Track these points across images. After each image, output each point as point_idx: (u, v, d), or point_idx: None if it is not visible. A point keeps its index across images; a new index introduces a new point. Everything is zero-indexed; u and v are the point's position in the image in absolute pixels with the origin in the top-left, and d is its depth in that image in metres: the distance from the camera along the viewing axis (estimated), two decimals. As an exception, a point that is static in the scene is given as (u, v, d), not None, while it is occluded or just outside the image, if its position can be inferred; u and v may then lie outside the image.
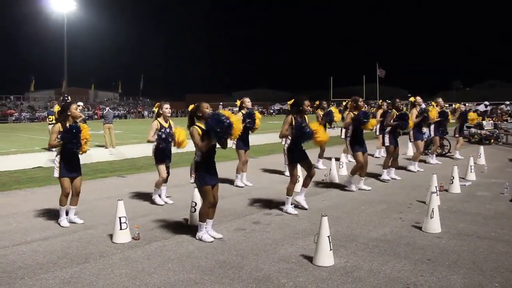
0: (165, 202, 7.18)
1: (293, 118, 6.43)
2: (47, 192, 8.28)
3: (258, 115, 8.48)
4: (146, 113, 61.47)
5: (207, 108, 5.16)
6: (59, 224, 5.96)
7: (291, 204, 6.61)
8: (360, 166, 7.87)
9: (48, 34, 71.55)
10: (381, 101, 16.44)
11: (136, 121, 49.90)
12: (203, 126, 5.07)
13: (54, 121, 14.17)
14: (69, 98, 13.23)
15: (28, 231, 5.73)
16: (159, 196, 7.18)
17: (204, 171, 5.14)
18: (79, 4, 53.24)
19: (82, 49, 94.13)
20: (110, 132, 16.26)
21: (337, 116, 10.58)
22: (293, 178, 6.62)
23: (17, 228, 5.91)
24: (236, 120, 4.99)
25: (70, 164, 5.88)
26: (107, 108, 19.91)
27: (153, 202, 7.18)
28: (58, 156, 5.87)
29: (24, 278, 4.20)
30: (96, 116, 50.59)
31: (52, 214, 6.51)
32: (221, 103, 55.29)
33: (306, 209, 6.68)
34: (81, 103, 17.65)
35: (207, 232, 5.29)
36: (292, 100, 6.70)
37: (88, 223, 6.07)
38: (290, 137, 6.51)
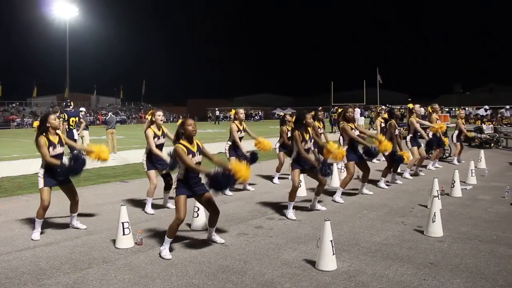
0: (169, 207, 7.19)
1: (298, 134, 6.54)
2: (50, 198, 8.29)
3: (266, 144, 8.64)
4: (149, 118, 61.47)
5: (189, 126, 5.03)
6: (32, 238, 5.61)
7: (293, 209, 6.66)
8: (350, 177, 7.77)
9: (50, 40, 72.03)
10: (380, 107, 16.30)
11: (139, 126, 49.96)
12: (188, 145, 4.98)
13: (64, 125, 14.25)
14: (72, 103, 13.26)
15: (31, 237, 5.74)
16: (162, 203, 7.17)
17: (183, 183, 5.00)
18: (81, 10, 53.58)
19: (84, 55, 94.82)
20: (113, 137, 16.31)
21: None
22: (295, 184, 6.67)
23: (20, 233, 5.92)
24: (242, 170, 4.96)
25: (55, 173, 5.69)
26: (110, 114, 19.98)
27: (150, 213, 6.95)
28: (43, 169, 5.67)
29: (27, 284, 4.22)
30: (98, 122, 50.70)
31: (54, 220, 6.53)
32: (216, 109, 55.43)
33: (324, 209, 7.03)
34: (83, 109, 17.74)
35: (167, 248, 4.96)
36: (294, 118, 6.84)
37: (91, 228, 6.08)
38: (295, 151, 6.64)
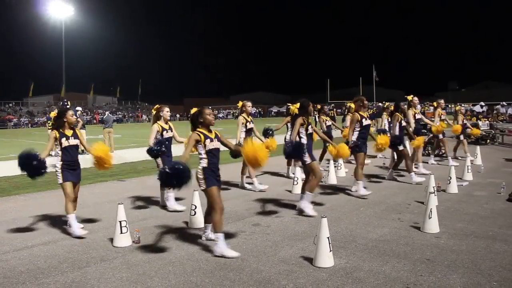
0: (164, 206, 7.20)
1: (303, 120, 6.65)
2: (47, 197, 8.31)
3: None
4: (144, 117, 61.64)
5: (208, 115, 5.08)
6: (73, 235, 5.61)
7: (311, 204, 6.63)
8: (362, 167, 7.76)
9: (46, 39, 71.63)
10: (387, 103, 16.19)
11: (136, 125, 49.94)
12: (205, 132, 5.03)
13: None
14: (69, 103, 13.27)
15: (29, 236, 5.75)
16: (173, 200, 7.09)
17: (210, 172, 4.99)
18: (77, 10, 53.45)
19: (81, 54, 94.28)
20: (110, 137, 16.33)
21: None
22: (319, 175, 6.66)
23: (18, 233, 5.92)
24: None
25: (72, 169, 5.80)
26: (106, 113, 19.95)
27: (171, 209, 6.95)
28: (60, 162, 5.75)
29: (25, 283, 4.22)
30: (94, 121, 50.60)
31: (52, 219, 6.54)
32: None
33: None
34: (79, 108, 17.70)
35: (224, 243, 4.89)
36: (299, 104, 6.74)
37: (89, 227, 6.08)
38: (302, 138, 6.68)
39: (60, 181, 5.74)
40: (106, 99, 73.03)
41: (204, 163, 4.99)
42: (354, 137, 7.72)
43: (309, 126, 6.74)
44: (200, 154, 5.02)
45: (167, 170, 4.54)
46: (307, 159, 6.62)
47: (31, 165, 5.56)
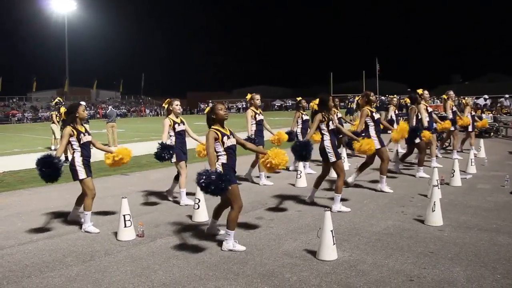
0: (169, 200, 7.22)
1: (324, 116, 6.44)
2: (51, 191, 8.34)
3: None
4: (148, 111, 61.73)
5: (220, 110, 4.96)
6: (87, 231, 5.61)
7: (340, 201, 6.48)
8: (387, 161, 7.68)
9: (49, 34, 71.44)
10: (391, 96, 15.96)
11: (138, 119, 49.99)
12: (220, 129, 4.90)
13: (57, 118, 14.29)
14: (58, 99, 13.39)
15: (34, 230, 5.78)
16: (185, 195, 7.03)
17: (229, 168, 4.85)
18: (79, 4, 53.45)
19: (83, 49, 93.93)
20: (113, 131, 16.35)
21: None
22: (343, 174, 6.51)
23: (23, 227, 5.96)
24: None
25: (89, 164, 5.79)
26: (110, 107, 19.95)
27: (183, 204, 6.93)
28: (80, 157, 5.69)
29: (30, 277, 4.26)
30: (98, 115, 50.68)
31: (56, 213, 6.57)
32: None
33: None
34: (83, 103, 17.71)
35: (232, 240, 4.88)
36: (318, 100, 6.56)
37: (93, 221, 6.10)
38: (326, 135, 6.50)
39: (83, 176, 5.67)
40: (109, 94, 72.99)
41: (223, 159, 4.86)
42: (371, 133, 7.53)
43: (330, 122, 6.47)
44: (218, 152, 4.87)
45: (211, 177, 4.40)
46: (332, 157, 6.43)
47: (52, 168, 5.37)
